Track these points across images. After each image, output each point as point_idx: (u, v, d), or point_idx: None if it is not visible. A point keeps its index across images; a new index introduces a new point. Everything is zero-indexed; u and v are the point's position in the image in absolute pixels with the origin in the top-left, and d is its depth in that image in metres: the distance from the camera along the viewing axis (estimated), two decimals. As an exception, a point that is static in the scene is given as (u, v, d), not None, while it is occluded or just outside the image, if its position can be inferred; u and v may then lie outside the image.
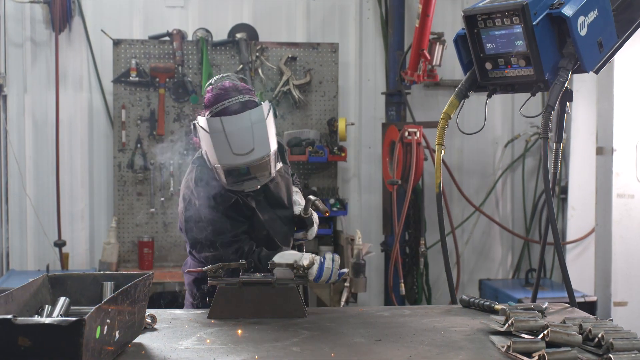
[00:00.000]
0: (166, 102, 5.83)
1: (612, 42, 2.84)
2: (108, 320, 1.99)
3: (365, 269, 5.16)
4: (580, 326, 2.27)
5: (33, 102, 5.99)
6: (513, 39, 2.76)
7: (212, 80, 2.99)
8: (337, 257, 2.85)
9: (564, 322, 2.35)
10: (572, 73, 2.75)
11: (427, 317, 2.68)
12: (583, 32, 2.70)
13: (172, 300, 5.18)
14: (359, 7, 6.45)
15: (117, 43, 5.81)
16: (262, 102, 2.91)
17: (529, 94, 2.91)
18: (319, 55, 6.09)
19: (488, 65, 2.88)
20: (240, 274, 2.70)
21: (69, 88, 6.01)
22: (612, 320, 2.46)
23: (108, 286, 2.33)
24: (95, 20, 6.02)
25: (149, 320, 2.45)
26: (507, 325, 2.32)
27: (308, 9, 6.37)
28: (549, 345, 2.13)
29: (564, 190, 6.31)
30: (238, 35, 5.98)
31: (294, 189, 3.24)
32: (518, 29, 2.72)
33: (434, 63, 5.66)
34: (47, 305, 2.19)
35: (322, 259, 2.82)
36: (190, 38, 5.98)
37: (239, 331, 2.45)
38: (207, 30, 5.98)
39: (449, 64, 6.03)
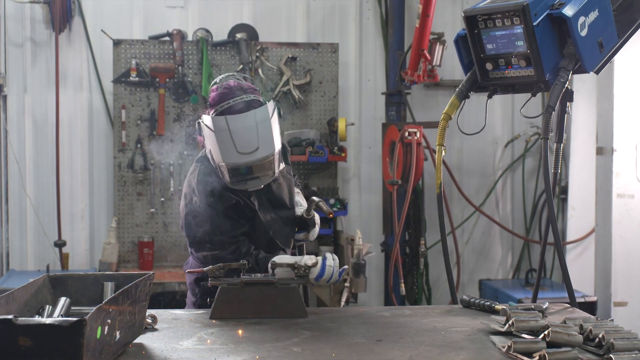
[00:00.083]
0: (166, 102, 5.83)
1: (612, 43, 2.84)
2: (109, 321, 1.99)
3: (366, 269, 5.16)
4: (581, 326, 2.27)
5: (33, 102, 5.99)
6: (513, 40, 2.75)
7: (217, 79, 3.00)
8: (335, 257, 2.87)
9: (565, 322, 2.35)
10: (572, 73, 2.75)
11: (427, 317, 2.68)
12: (583, 33, 2.70)
13: (172, 300, 5.18)
14: (359, 7, 6.45)
15: (117, 43, 5.81)
16: (267, 102, 2.91)
17: (529, 95, 2.91)
18: (319, 55, 6.09)
19: (488, 66, 2.88)
20: (241, 274, 2.70)
21: (69, 88, 6.02)
22: (612, 320, 2.46)
23: (109, 286, 2.33)
24: (95, 20, 6.02)
25: (149, 321, 2.45)
26: (507, 325, 2.32)
27: (308, 9, 6.37)
28: (550, 345, 2.13)
29: (564, 190, 6.31)
30: (238, 36, 5.98)
31: (296, 189, 3.24)
32: (518, 30, 2.72)
33: (434, 63, 5.66)
34: (47, 306, 2.19)
35: (323, 259, 2.82)
36: (190, 38, 5.98)
37: (240, 331, 2.45)
38: (207, 30, 5.98)
39: (449, 64, 6.03)
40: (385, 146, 6.03)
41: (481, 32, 2.83)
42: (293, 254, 3.18)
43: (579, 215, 6.17)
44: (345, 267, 2.93)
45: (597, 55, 2.79)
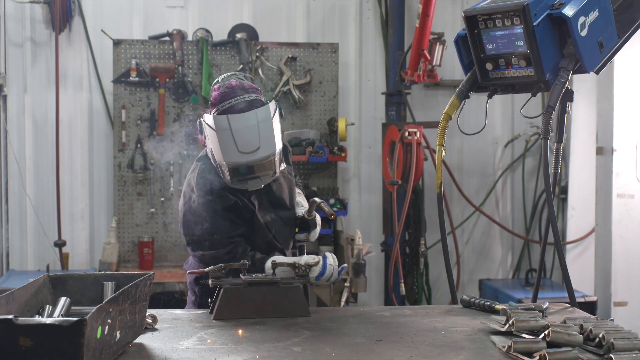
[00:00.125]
0: (166, 102, 5.83)
1: (612, 43, 2.84)
2: (109, 321, 1.99)
3: (366, 269, 5.16)
4: (581, 326, 2.27)
5: (33, 102, 5.99)
6: (514, 40, 2.76)
7: (219, 79, 3.00)
8: (334, 256, 2.88)
9: (565, 322, 2.35)
10: (572, 73, 2.75)
11: (427, 317, 2.68)
12: (584, 33, 2.70)
13: (172, 300, 5.18)
14: (359, 7, 6.45)
15: (117, 43, 5.81)
16: (269, 102, 2.92)
17: (529, 95, 2.91)
18: (319, 55, 6.09)
19: (489, 66, 2.88)
20: (242, 275, 2.70)
21: (69, 88, 6.01)
22: (612, 320, 2.46)
23: (109, 286, 2.33)
24: (95, 20, 6.02)
25: (149, 321, 2.45)
26: (507, 325, 2.32)
27: (308, 9, 6.37)
28: (550, 345, 2.13)
29: (564, 190, 6.31)
30: (238, 35, 5.98)
31: (297, 190, 3.24)
32: (519, 30, 2.72)
33: (434, 63, 5.66)
34: (48, 306, 2.20)
35: (324, 258, 2.83)
36: (190, 38, 5.98)
37: (240, 331, 2.45)
38: (207, 30, 5.98)
39: (449, 64, 6.03)
40: (385, 146, 6.03)
41: (481, 32, 2.83)
42: (293, 254, 3.18)
43: (579, 215, 6.17)
44: (345, 265, 2.94)
45: (597, 55, 2.79)
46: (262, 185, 2.96)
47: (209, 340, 2.34)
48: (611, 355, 2.07)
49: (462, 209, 6.56)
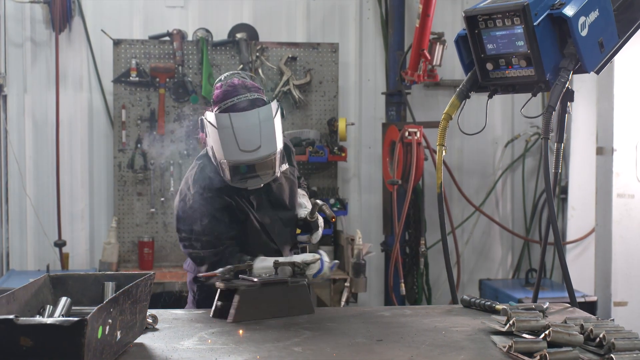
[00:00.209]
0: (166, 102, 5.83)
1: (613, 43, 2.84)
2: (110, 321, 1.99)
3: (366, 269, 5.16)
4: (582, 326, 2.27)
5: (33, 102, 5.99)
6: (514, 40, 2.75)
7: (221, 77, 3.01)
8: (325, 254, 2.93)
9: (565, 322, 2.35)
10: (573, 73, 2.75)
11: (428, 317, 2.68)
12: (584, 33, 2.70)
13: (172, 300, 5.18)
14: (359, 7, 6.45)
15: (117, 43, 5.81)
16: (271, 102, 2.92)
17: (529, 95, 2.91)
18: (319, 55, 6.09)
19: (489, 66, 2.88)
20: (247, 275, 2.70)
21: (69, 88, 6.01)
22: (613, 320, 2.46)
23: (109, 286, 2.33)
24: (95, 20, 6.01)
25: (150, 321, 2.45)
26: (508, 325, 2.32)
27: (308, 9, 6.37)
28: (551, 345, 2.13)
29: (564, 190, 6.31)
30: (238, 35, 5.98)
31: (301, 191, 3.23)
32: (519, 30, 2.72)
33: (434, 63, 5.66)
34: (48, 306, 2.19)
35: (321, 255, 2.85)
36: (190, 38, 5.98)
37: (240, 331, 2.45)
38: (207, 30, 5.98)
39: (449, 64, 6.03)
40: (385, 146, 6.03)
41: (481, 32, 2.83)
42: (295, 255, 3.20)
43: (579, 215, 6.17)
44: (336, 261, 2.95)
45: (598, 55, 2.79)
46: (262, 185, 2.96)
47: (209, 340, 2.34)
48: (612, 355, 2.07)
49: (462, 209, 6.56)
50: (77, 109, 6.04)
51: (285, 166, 3.08)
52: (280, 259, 2.83)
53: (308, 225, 3.13)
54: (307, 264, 2.78)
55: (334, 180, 6.17)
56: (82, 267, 5.99)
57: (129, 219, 5.85)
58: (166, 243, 5.86)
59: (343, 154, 5.95)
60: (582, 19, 2.69)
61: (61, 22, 5.81)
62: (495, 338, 2.31)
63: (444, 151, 3.03)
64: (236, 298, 2.61)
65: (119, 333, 2.08)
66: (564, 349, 2.10)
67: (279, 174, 2.98)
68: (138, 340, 2.29)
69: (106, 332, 1.97)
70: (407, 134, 5.58)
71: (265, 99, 2.96)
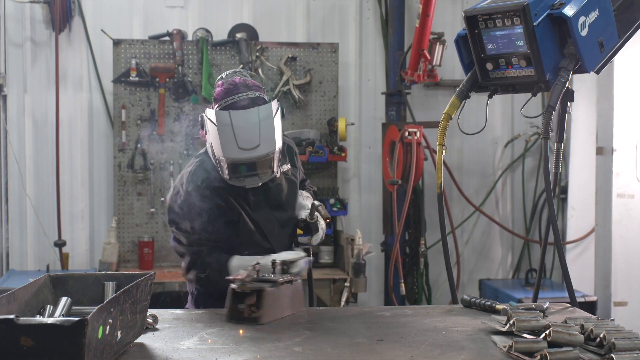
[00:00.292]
0: (166, 102, 5.83)
1: (613, 42, 2.84)
2: (110, 320, 1.99)
3: (366, 269, 5.14)
4: (582, 326, 2.27)
5: (33, 102, 5.99)
6: (514, 40, 2.75)
7: (223, 75, 3.02)
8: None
9: (566, 322, 2.35)
10: (572, 73, 2.75)
11: (428, 317, 2.68)
12: (584, 33, 2.70)
13: (172, 300, 5.18)
14: (359, 7, 6.45)
15: (117, 43, 5.81)
16: (271, 101, 2.92)
17: (529, 95, 2.91)
18: (319, 55, 6.09)
19: (489, 66, 2.88)
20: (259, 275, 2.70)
21: (69, 88, 6.01)
22: (613, 320, 2.46)
23: (110, 286, 2.33)
24: (95, 20, 6.02)
25: (150, 320, 2.45)
26: (508, 325, 2.32)
27: (308, 9, 6.37)
28: (551, 345, 2.13)
29: (564, 190, 6.31)
30: (238, 35, 5.98)
31: (305, 193, 3.22)
32: (519, 30, 2.72)
33: (434, 63, 5.66)
34: (48, 305, 2.19)
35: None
36: (190, 38, 5.98)
37: (241, 331, 2.45)
38: (207, 30, 5.98)
39: (449, 64, 6.03)
40: (385, 146, 6.03)
41: (481, 32, 2.83)
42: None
43: (579, 215, 6.17)
44: (310, 259, 2.96)
45: (598, 55, 2.79)
46: (260, 184, 2.95)
47: (209, 340, 2.34)
48: (612, 355, 2.07)
49: (462, 209, 6.56)
50: (77, 109, 6.04)
51: (286, 167, 3.08)
52: (262, 260, 2.82)
53: (309, 227, 3.13)
54: (291, 263, 2.80)
55: (334, 180, 6.17)
56: (82, 267, 5.99)
57: (129, 219, 5.85)
58: (166, 243, 5.85)
59: (343, 154, 5.95)
60: (582, 19, 2.69)
61: (61, 22, 5.81)
62: (496, 338, 2.32)
63: (444, 151, 3.03)
64: (263, 299, 2.59)
65: (119, 333, 2.08)
66: (564, 348, 2.10)
67: (278, 174, 2.98)
68: (138, 340, 2.29)
69: (107, 332, 1.97)
70: (407, 134, 5.58)
71: (266, 98, 2.97)
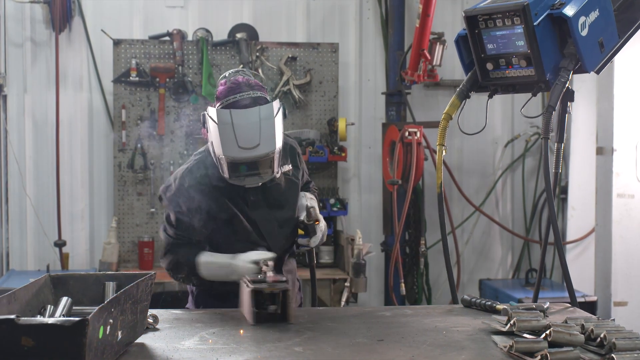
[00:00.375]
0: (166, 102, 5.83)
1: (613, 42, 2.84)
2: (111, 320, 1.99)
3: (366, 269, 5.16)
4: (582, 326, 2.28)
5: (33, 102, 5.99)
6: (514, 40, 2.75)
7: (226, 74, 3.02)
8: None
9: (566, 322, 2.35)
10: (573, 73, 2.75)
11: (428, 317, 2.68)
12: (584, 33, 2.70)
13: (173, 300, 5.18)
14: (359, 7, 6.45)
15: (117, 43, 5.81)
16: (273, 101, 2.92)
17: (529, 95, 2.91)
18: (319, 55, 6.09)
19: (489, 66, 2.88)
20: (260, 275, 2.70)
21: (69, 88, 6.01)
22: (614, 320, 2.46)
23: (110, 286, 2.33)
24: (95, 20, 6.02)
25: (151, 320, 2.45)
26: (509, 325, 2.32)
27: (308, 9, 6.37)
28: (552, 345, 2.13)
29: (564, 190, 6.31)
30: (238, 35, 5.98)
31: (308, 195, 3.21)
32: (519, 30, 2.72)
33: (434, 63, 5.66)
34: (49, 306, 2.19)
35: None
36: (190, 38, 5.98)
37: (241, 331, 2.45)
38: (207, 30, 5.98)
39: (449, 64, 6.03)
40: (385, 146, 6.04)
41: (482, 32, 2.83)
42: (297, 257, 3.24)
43: (579, 215, 6.17)
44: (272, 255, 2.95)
45: (598, 55, 2.79)
46: (260, 183, 2.95)
47: (210, 340, 2.34)
48: (613, 355, 2.07)
49: (462, 209, 6.56)
50: (77, 109, 6.04)
51: (287, 167, 3.08)
52: (232, 260, 2.87)
53: (310, 229, 3.12)
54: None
55: (334, 180, 6.17)
56: (82, 267, 5.99)
57: (129, 219, 5.85)
58: (166, 243, 5.85)
59: (343, 154, 5.95)
60: (582, 19, 2.69)
61: (61, 22, 5.81)
62: (496, 338, 2.32)
63: (444, 151, 3.03)
64: (288, 298, 2.60)
65: (120, 333, 2.08)
66: (564, 348, 2.10)
67: (278, 174, 2.98)
68: (139, 340, 2.29)
69: (107, 332, 1.97)
70: (407, 134, 5.58)
71: (268, 97, 2.97)
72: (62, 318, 1.93)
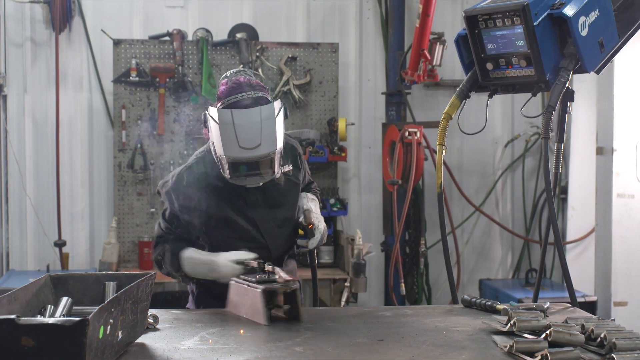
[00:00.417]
0: (166, 102, 5.83)
1: (613, 42, 2.84)
2: (111, 320, 1.99)
3: (366, 269, 5.16)
4: (583, 326, 2.28)
5: (33, 102, 5.99)
6: (514, 39, 2.76)
7: (227, 73, 3.02)
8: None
9: (566, 322, 2.35)
10: (573, 73, 2.75)
11: (429, 317, 2.68)
12: (584, 33, 2.70)
13: (173, 300, 5.18)
14: (359, 7, 6.45)
15: (117, 43, 5.81)
16: (275, 101, 2.92)
17: (529, 95, 2.91)
18: (319, 55, 6.09)
19: (489, 66, 2.88)
20: (260, 275, 2.70)
21: (69, 88, 6.01)
22: (614, 320, 2.46)
23: (110, 286, 2.34)
24: (95, 20, 6.01)
25: (151, 320, 2.45)
26: (509, 325, 2.32)
27: (308, 9, 6.37)
28: (552, 345, 2.13)
29: (564, 190, 6.31)
30: (238, 35, 5.98)
31: (310, 195, 3.21)
32: (519, 30, 2.72)
33: (434, 63, 5.66)
34: (49, 306, 2.20)
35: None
36: (190, 38, 5.98)
37: (241, 331, 2.45)
38: (207, 30, 5.98)
39: (449, 64, 6.03)
40: (385, 146, 6.04)
41: (482, 32, 2.83)
42: (297, 257, 3.23)
43: (579, 215, 6.17)
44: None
45: (598, 55, 2.79)
46: (261, 184, 2.95)
47: (210, 340, 2.34)
48: (613, 355, 2.07)
49: (462, 209, 6.56)
50: (77, 109, 6.04)
51: (287, 167, 3.08)
52: (215, 258, 2.89)
53: (306, 230, 3.12)
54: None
55: (334, 180, 6.17)
56: (82, 267, 5.99)
57: (129, 219, 5.85)
58: (166, 243, 5.85)
59: (343, 154, 5.95)
60: (582, 19, 2.69)
61: (61, 22, 5.81)
62: (497, 338, 2.32)
63: (444, 151, 3.03)
64: (297, 297, 2.61)
65: (120, 333, 2.08)
66: (565, 348, 2.10)
67: (279, 174, 2.98)
68: (139, 340, 2.29)
69: (107, 332, 1.97)
70: (407, 134, 5.58)
71: (269, 98, 2.97)
72: (62, 318, 1.93)
